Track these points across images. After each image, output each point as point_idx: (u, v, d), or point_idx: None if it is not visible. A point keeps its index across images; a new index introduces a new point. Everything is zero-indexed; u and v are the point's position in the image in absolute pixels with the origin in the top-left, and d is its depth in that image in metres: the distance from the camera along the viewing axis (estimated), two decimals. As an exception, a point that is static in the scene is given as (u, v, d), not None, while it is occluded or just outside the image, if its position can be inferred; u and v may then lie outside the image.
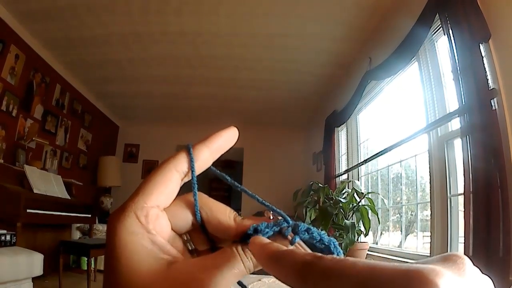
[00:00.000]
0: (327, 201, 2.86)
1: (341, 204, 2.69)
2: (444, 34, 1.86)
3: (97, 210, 4.50)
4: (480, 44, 1.61)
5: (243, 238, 0.23)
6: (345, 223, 2.55)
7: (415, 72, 2.45)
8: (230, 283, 0.21)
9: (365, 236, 2.78)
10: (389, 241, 3.00)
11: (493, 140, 1.49)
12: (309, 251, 0.22)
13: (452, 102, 1.98)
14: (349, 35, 3.17)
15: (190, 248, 0.25)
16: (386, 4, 2.69)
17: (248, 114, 5.39)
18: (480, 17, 1.62)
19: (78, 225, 3.90)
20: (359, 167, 3.49)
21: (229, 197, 7.97)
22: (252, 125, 5.58)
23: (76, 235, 3.90)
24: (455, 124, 1.93)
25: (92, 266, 3.23)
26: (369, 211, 2.62)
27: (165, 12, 2.95)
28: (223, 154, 0.27)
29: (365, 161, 3.23)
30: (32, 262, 2.26)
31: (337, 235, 2.64)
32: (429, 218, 2.17)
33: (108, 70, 4.07)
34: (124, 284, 0.20)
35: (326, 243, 0.21)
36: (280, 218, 0.24)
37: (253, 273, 0.26)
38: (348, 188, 3.27)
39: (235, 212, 0.24)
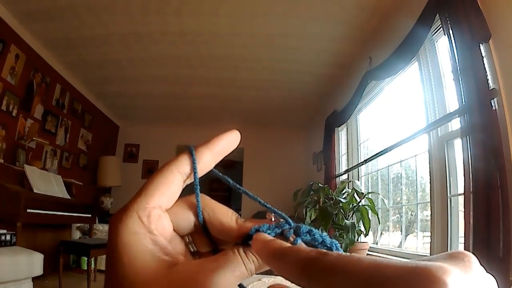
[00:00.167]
0: (327, 201, 2.86)
1: (341, 204, 2.69)
2: (444, 34, 1.86)
3: (97, 210, 4.50)
4: (480, 44, 1.61)
5: (244, 240, 0.23)
6: (345, 223, 2.55)
7: (415, 72, 2.45)
8: (232, 285, 0.21)
9: (365, 236, 2.78)
10: (389, 241, 3.00)
11: (493, 140, 1.49)
12: None
13: (452, 102, 1.98)
14: (349, 35, 3.17)
15: (192, 250, 0.25)
16: (386, 4, 2.68)
17: (248, 114, 5.39)
18: (480, 17, 1.62)
19: (78, 225, 3.90)
20: (359, 167, 3.49)
21: (230, 197, 7.98)
22: (252, 125, 5.58)
23: (76, 235, 3.90)
24: (455, 124, 1.93)
25: (92, 266, 3.23)
26: (369, 211, 2.62)
27: (165, 12, 2.95)
28: (223, 155, 0.27)
29: (365, 161, 3.23)
30: (32, 262, 2.26)
31: (337, 235, 2.64)
32: (429, 218, 2.17)
33: (108, 70, 4.07)
34: (125, 284, 0.20)
35: (328, 245, 0.21)
36: (281, 220, 0.24)
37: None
38: (348, 188, 3.27)
39: (237, 214, 0.24)
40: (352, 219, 2.67)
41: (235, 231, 0.23)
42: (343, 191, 3.05)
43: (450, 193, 1.99)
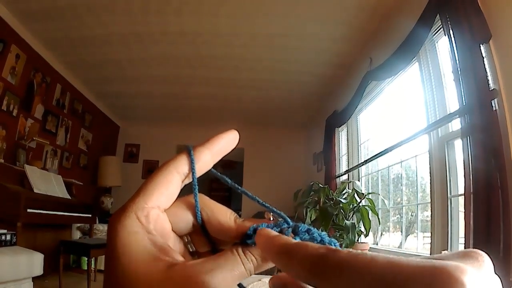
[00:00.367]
0: (327, 201, 2.86)
1: (341, 205, 2.69)
2: (445, 35, 1.86)
3: (98, 210, 4.50)
4: (481, 45, 1.61)
5: (243, 239, 0.22)
6: (345, 223, 2.55)
7: (415, 73, 2.45)
8: (231, 285, 0.21)
9: (365, 237, 2.78)
10: (390, 241, 3.00)
11: (494, 140, 1.49)
12: None
13: (453, 103, 1.98)
14: (350, 36, 3.17)
15: (191, 250, 0.25)
16: (387, 5, 2.68)
17: (248, 114, 5.39)
18: (480, 18, 1.61)
19: (79, 225, 3.90)
20: (360, 168, 3.49)
21: (229, 197, 7.98)
22: (252, 125, 5.58)
23: (76, 235, 3.90)
24: (456, 124, 1.93)
25: (92, 266, 3.23)
26: (370, 212, 2.62)
27: (165, 12, 2.95)
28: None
29: (366, 162, 3.23)
30: (32, 262, 2.27)
31: (338, 235, 2.64)
32: (429, 218, 2.17)
33: (108, 70, 4.08)
34: (124, 284, 0.20)
35: (327, 244, 0.21)
36: (280, 219, 0.24)
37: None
38: (348, 188, 3.26)
39: (235, 214, 0.24)
40: (353, 220, 2.67)
41: (233, 231, 0.23)
42: (344, 192, 3.05)
43: (450, 193, 1.98)
